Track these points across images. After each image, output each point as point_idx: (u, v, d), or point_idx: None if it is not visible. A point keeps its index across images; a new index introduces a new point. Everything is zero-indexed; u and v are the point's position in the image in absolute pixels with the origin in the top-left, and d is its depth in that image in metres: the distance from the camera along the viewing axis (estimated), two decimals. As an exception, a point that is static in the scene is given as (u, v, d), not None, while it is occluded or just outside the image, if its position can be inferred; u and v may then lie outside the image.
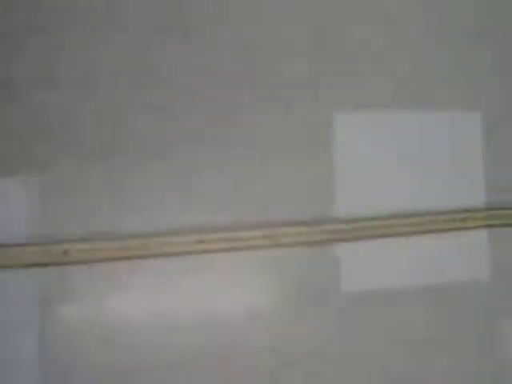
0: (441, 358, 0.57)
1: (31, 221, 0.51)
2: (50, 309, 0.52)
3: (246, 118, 0.56)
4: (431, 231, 0.58)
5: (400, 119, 0.59)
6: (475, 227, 0.59)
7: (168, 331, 0.53)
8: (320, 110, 0.57)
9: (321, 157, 0.57)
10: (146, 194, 0.53)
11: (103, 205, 0.53)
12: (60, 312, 0.52)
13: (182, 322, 0.54)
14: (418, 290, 0.58)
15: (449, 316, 0.58)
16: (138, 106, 0.53)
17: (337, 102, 0.57)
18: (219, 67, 0.55)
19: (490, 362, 0.58)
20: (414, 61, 0.59)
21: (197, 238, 0.54)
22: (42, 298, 0.51)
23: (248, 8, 0.55)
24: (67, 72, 0.52)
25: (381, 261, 0.57)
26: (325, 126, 0.57)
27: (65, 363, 0.52)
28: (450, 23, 0.60)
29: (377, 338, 0.56)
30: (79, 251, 0.52)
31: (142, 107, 0.53)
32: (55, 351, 0.51)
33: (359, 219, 0.56)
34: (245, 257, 0.54)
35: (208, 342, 0.53)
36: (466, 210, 0.59)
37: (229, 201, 0.55)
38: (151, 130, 0.53)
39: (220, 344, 0.53)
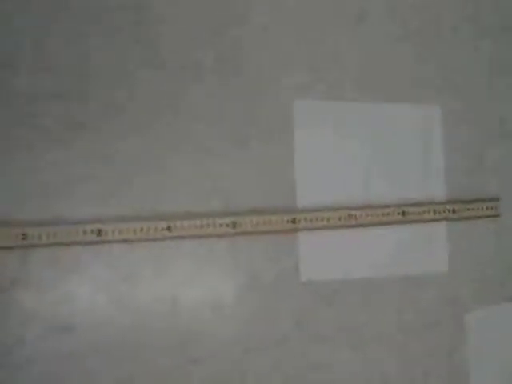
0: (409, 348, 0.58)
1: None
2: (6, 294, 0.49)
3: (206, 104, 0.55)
4: (392, 223, 0.60)
5: (361, 110, 0.61)
6: (435, 220, 0.61)
7: (131, 319, 0.52)
8: (280, 95, 0.57)
9: (282, 145, 0.57)
10: (109, 178, 0.52)
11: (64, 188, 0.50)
12: (18, 298, 0.50)
13: (146, 309, 0.53)
14: (380, 281, 0.59)
15: (415, 305, 0.60)
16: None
17: (298, 89, 0.57)
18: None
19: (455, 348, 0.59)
20: (375, 53, 0.61)
21: (164, 224, 0.54)
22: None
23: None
24: None
25: (342, 251, 0.58)
26: (286, 113, 0.57)
27: (22, 351, 0.49)
28: (411, 16, 0.62)
29: (337, 328, 0.57)
30: (39, 235, 0.50)
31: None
32: (9, 340, 0.49)
33: (321, 209, 0.58)
34: (209, 244, 0.54)
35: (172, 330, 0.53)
36: (426, 203, 0.62)
37: (194, 188, 0.54)
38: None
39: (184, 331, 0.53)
